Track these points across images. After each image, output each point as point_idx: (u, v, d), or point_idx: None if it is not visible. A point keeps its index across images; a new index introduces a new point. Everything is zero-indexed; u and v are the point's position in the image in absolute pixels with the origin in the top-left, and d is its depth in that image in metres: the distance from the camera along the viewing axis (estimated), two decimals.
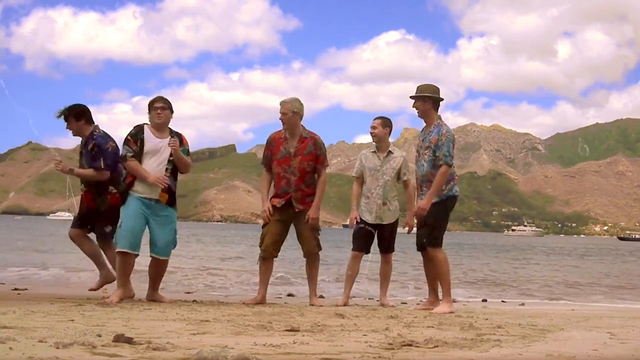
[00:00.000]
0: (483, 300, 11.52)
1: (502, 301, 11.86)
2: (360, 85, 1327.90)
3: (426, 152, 7.95)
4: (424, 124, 8.20)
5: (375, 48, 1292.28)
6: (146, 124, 7.80)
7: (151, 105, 7.79)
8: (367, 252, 8.75)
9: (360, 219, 8.64)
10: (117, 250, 7.59)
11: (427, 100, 8.08)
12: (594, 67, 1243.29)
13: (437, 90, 8.22)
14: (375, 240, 8.76)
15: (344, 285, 8.85)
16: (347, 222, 8.58)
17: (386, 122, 8.73)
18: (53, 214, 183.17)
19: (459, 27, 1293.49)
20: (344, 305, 8.42)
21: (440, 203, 7.92)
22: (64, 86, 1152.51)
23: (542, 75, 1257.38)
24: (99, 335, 4.36)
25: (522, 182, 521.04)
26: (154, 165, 7.63)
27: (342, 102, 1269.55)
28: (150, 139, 7.68)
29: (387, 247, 8.78)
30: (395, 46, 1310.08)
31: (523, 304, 10.89)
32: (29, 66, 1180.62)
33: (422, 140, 8.08)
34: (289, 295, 10.96)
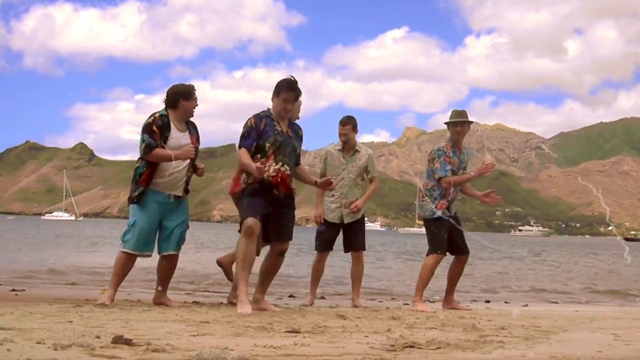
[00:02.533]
0: (486, 302, 11.53)
1: (506, 302, 11.85)
2: (364, 84, 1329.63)
3: (463, 172, 8.55)
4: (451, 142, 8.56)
5: (382, 45, 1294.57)
6: (164, 115, 7.40)
7: (188, 94, 7.45)
8: (331, 249, 8.94)
9: (324, 218, 8.75)
10: (123, 250, 7.39)
11: (470, 124, 8.63)
12: (603, 64, 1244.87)
13: None
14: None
15: (310, 285, 8.98)
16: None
17: (355, 125, 8.79)
18: (49, 214, 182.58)
19: (469, 24, 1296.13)
20: (311, 305, 8.59)
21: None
22: (64, 83, 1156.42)
23: (550, 74, 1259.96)
24: (98, 337, 4.36)
25: (525, 182, 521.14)
26: (175, 161, 7.33)
27: (345, 100, 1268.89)
28: (174, 135, 7.36)
29: (353, 245, 8.81)
30: (401, 43, 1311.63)
31: (526, 305, 10.88)
32: (29, 63, 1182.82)
33: (460, 161, 8.50)
34: (290, 296, 10.96)
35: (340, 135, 8.71)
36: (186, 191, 7.60)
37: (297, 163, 7.46)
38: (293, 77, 7.21)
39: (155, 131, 7.25)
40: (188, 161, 7.49)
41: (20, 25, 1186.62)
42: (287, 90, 7.12)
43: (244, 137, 7.11)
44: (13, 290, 9.52)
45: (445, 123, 8.56)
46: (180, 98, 7.42)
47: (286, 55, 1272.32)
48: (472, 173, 8.51)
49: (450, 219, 8.36)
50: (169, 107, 7.44)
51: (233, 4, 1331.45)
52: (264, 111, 7.21)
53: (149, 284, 11.35)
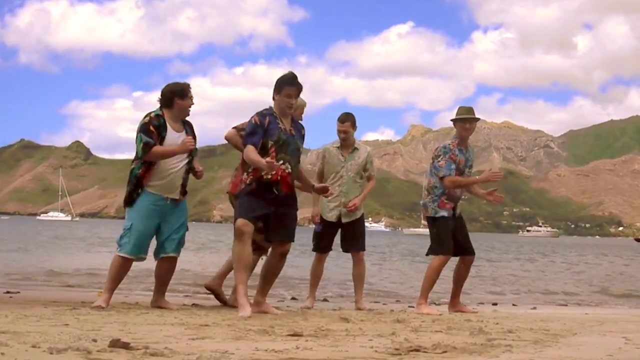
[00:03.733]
0: (493, 304, 11.52)
1: (513, 305, 11.85)
2: (368, 80, 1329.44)
3: (470, 170, 8.59)
4: (458, 138, 8.57)
5: (386, 41, 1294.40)
6: (160, 115, 7.35)
7: (183, 92, 7.40)
8: (330, 250, 8.95)
9: (321, 217, 8.76)
10: (119, 254, 7.31)
11: (477, 122, 8.66)
12: (614, 60, 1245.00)
13: None
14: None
15: (309, 288, 8.99)
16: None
17: (354, 122, 8.80)
18: (45, 214, 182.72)
19: (475, 19, 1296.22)
20: (311, 307, 8.58)
21: None
22: (60, 80, 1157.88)
23: (559, 70, 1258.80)
24: (95, 340, 4.36)
25: (534, 181, 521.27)
26: (172, 162, 7.31)
27: (348, 97, 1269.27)
28: (171, 135, 7.30)
29: (352, 245, 8.81)
30: (406, 39, 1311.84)
31: (535, 308, 10.89)
32: (24, 59, 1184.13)
33: (466, 159, 8.51)
34: (292, 298, 10.96)
35: (339, 132, 8.72)
36: (183, 193, 7.56)
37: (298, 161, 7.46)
38: (291, 72, 7.23)
39: (153, 130, 7.20)
40: (185, 162, 7.46)
41: (15, 20, 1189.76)
42: (289, 85, 7.12)
43: (250, 134, 7.08)
44: (7, 292, 9.53)
45: (451, 120, 8.54)
46: (176, 97, 7.38)
47: (288, 51, 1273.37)
48: (477, 177, 8.53)
49: (454, 219, 8.38)
50: (164, 107, 7.40)
51: None
52: (266, 109, 7.20)
53: (147, 286, 11.35)
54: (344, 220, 8.71)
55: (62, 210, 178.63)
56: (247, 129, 7.15)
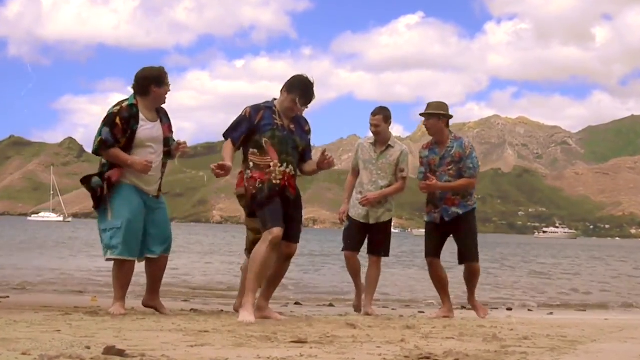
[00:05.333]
0: (508, 309, 11.52)
1: (529, 310, 11.85)
2: (376, 74, 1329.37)
3: (449, 167, 8.45)
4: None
5: (395, 32, 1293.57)
6: (133, 104, 7.19)
7: (160, 79, 7.26)
8: (359, 249, 8.89)
9: (348, 215, 8.76)
10: (114, 257, 7.17)
11: (442, 118, 8.53)
12: (635, 52, 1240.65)
13: (447, 107, 8.69)
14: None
15: (355, 287, 8.94)
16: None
17: (387, 116, 8.76)
18: (36, 215, 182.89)
19: (488, 9, 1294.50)
20: (357, 310, 8.80)
21: (471, 213, 8.57)
22: (52, 73, 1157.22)
23: (577, 63, 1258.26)
24: (88, 347, 4.37)
25: (550, 180, 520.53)
26: (149, 156, 7.16)
27: (354, 91, 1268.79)
28: (145, 125, 7.17)
29: (376, 250, 8.81)
30: (415, 30, 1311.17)
31: (552, 313, 10.88)
32: (13, 51, 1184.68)
33: (440, 158, 8.48)
34: (296, 303, 10.97)
35: (371, 126, 8.68)
36: (159, 189, 7.46)
37: (308, 158, 7.39)
38: (311, 78, 7.11)
39: (118, 124, 7.04)
40: (161, 156, 7.36)
41: (4, 10, 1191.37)
42: (300, 94, 7.03)
43: (232, 127, 7.06)
44: None
45: (420, 114, 8.67)
46: (152, 84, 7.22)
47: (291, 43, 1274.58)
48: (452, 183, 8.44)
49: (441, 223, 8.49)
50: (139, 94, 7.25)
51: None
52: (266, 102, 7.16)
53: (143, 289, 11.34)
54: (371, 221, 8.68)
55: (53, 211, 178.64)
56: (234, 120, 7.12)
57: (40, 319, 6.28)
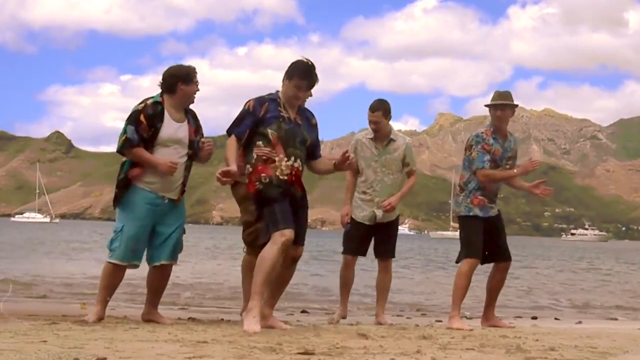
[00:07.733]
0: (533, 318, 11.51)
1: (556, 319, 11.84)
2: (390, 62, 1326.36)
3: (508, 162, 8.57)
4: (492, 126, 8.57)
5: (410, 17, 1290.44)
6: (159, 102, 7.35)
7: (188, 76, 7.42)
8: (363, 254, 8.92)
9: (352, 218, 8.77)
10: (110, 260, 7.30)
11: (514, 109, 8.64)
12: None
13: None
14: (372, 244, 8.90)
15: (340, 296, 9.00)
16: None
17: (387, 110, 8.73)
18: (20, 215, 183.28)
19: None
20: (344, 318, 8.73)
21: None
22: (38, 62, 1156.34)
23: (608, 50, 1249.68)
24: (77, 359, 4.38)
25: (579, 178, 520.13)
26: (171, 157, 7.26)
27: (366, 81, 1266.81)
28: (169, 125, 7.32)
29: (384, 252, 8.83)
30: (433, 15, 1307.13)
31: (580, 322, 10.87)
32: None
33: (504, 149, 8.53)
34: (303, 312, 10.97)
35: (370, 122, 8.67)
36: (182, 192, 7.54)
37: (317, 155, 7.42)
38: (310, 61, 7.16)
39: (143, 122, 7.19)
40: (186, 158, 7.46)
41: None
42: (301, 76, 7.07)
43: (236, 122, 7.10)
44: None
45: (485, 106, 8.53)
46: (179, 81, 7.37)
47: (298, 28, 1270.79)
48: (515, 170, 8.49)
49: (489, 219, 8.37)
50: (166, 92, 7.40)
51: None
52: (270, 94, 7.19)
53: (136, 297, 11.36)
54: (378, 221, 8.67)
55: (39, 211, 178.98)
56: (238, 114, 7.15)
57: (25, 328, 6.29)
